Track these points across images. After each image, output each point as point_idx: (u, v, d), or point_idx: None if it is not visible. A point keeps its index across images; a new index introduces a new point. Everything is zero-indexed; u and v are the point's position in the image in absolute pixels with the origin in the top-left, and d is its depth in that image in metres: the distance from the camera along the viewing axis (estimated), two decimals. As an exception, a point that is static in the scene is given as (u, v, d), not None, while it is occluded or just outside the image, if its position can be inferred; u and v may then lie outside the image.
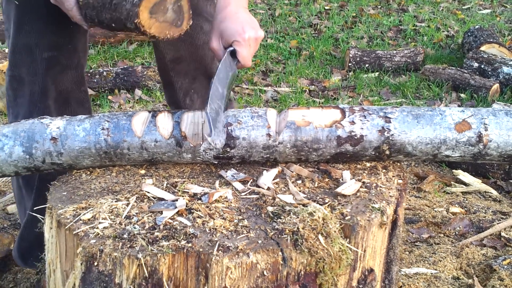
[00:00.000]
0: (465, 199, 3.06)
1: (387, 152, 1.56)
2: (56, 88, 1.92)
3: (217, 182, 1.51)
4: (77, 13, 1.57)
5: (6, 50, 4.14)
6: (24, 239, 2.06)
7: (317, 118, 1.54)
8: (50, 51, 1.88)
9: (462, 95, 4.59)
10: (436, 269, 2.35)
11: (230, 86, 1.61)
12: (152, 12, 1.34)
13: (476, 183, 3.21)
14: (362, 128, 1.53)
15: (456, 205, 2.96)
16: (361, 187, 1.47)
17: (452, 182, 3.23)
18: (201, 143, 1.51)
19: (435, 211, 2.88)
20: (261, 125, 1.52)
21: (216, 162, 1.56)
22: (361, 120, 1.54)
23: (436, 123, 1.55)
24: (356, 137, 1.53)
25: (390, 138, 1.54)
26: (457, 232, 2.68)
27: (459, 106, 4.32)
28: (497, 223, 2.71)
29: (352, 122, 1.53)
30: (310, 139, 1.52)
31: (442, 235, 2.67)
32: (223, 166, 1.59)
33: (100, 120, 1.54)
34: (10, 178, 2.98)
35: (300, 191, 1.45)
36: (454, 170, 3.34)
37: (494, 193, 3.14)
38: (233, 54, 1.62)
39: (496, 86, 4.52)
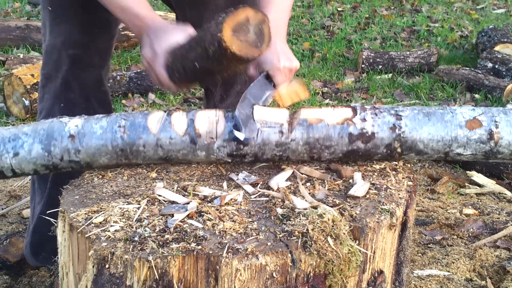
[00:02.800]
0: (479, 200, 3.04)
1: (399, 150, 1.56)
2: (78, 84, 2.04)
3: (227, 184, 1.52)
4: (165, 75, 1.66)
5: (21, 56, 4.20)
6: (37, 231, 2.10)
7: (328, 116, 1.55)
8: (74, 49, 2.02)
9: (477, 95, 4.55)
10: (449, 271, 2.34)
11: (265, 103, 1.66)
12: (235, 31, 1.43)
13: (490, 184, 3.18)
14: (373, 125, 1.54)
15: (470, 206, 2.94)
16: (370, 188, 1.48)
17: (466, 184, 3.20)
18: (215, 140, 1.53)
19: (449, 212, 2.86)
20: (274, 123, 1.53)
21: (229, 160, 1.58)
22: (372, 117, 1.55)
23: (447, 120, 1.56)
24: (367, 134, 1.54)
25: (402, 135, 1.54)
26: (470, 234, 2.67)
27: (473, 106, 4.28)
28: (511, 225, 2.69)
29: (364, 120, 1.54)
30: (322, 136, 1.53)
31: (455, 236, 2.65)
32: (234, 168, 1.60)
33: (117, 118, 1.58)
34: (26, 182, 3.01)
35: (310, 193, 1.46)
36: (468, 172, 3.31)
37: (509, 194, 3.11)
38: (268, 78, 1.69)
39: (510, 86, 4.47)
